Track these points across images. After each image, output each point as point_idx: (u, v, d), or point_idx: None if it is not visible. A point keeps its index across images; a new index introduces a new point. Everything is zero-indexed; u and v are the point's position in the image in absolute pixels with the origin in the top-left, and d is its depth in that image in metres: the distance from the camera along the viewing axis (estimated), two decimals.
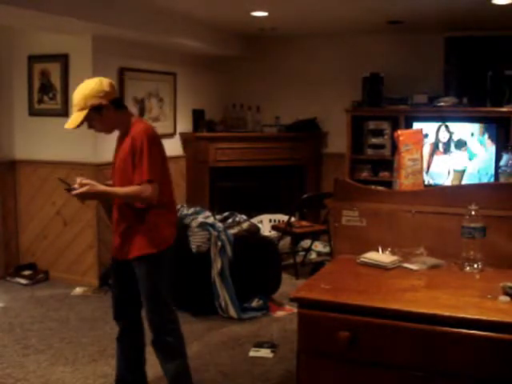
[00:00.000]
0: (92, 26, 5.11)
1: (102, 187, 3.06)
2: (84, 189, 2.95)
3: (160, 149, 3.14)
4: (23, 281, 5.80)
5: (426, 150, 6.06)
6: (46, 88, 5.81)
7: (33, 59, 5.84)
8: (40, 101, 5.86)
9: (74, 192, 2.96)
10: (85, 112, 3.04)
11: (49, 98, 5.81)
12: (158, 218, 3.18)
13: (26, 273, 5.89)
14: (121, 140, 3.22)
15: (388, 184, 3.76)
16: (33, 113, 5.92)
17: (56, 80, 5.73)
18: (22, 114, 5.96)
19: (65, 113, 5.69)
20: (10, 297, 5.41)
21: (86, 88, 3.07)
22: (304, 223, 6.44)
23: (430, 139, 6.19)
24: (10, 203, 6.02)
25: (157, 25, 5.71)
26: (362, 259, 2.85)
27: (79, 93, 3.07)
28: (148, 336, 3.38)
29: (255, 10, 5.70)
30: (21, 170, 6.03)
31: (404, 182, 3.16)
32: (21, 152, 6.02)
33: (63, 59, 5.65)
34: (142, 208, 3.12)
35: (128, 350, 3.41)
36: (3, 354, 4.17)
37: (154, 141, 3.10)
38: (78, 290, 5.59)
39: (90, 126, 3.16)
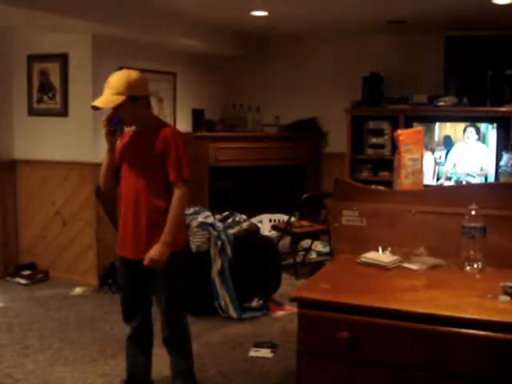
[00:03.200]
0: (91, 25, 5.11)
1: (164, 249, 3.08)
2: (156, 263, 3.07)
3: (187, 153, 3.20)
4: (23, 281, 5.80)
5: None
6: (46, 88, 5.80)
7: (32, 59, 5.83)
8: (39, 100, 5.85)
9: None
10: (122, 97, 3.03)
11: (48, 97, 5.80)
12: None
13: (26, 273, 5.88)
14: (138, 138, 3.20)
15: (388, 184, 3.76)
16: (32, 112, 5.91)
17: (55, 80, 5.73)
18: (21, 114, 5.96)
19: (64, 112, 5.70)
20: (10, 297, 5.41)
21: (130, 76, 3.08)
22: (304, 223, 6.43)
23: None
24: (10, 203, 6.01)
25: (156, 24, 5.71)
26: (362, 259, 2.85)
27: (121, 78, 3.06)
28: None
29: (255, 10, 5.70)
30: (20, 169, 6.02)
31: (404, 181, 3.16)
32: (20, 152, 6.01)
33: (63, 59, 5.65)
34: (163, 207, 3.12)
35: (139, 350, 3.41)
36: (3, 354, 4.16)
37: (186, 144, 3.18)
38: (78, 290, 5.59)
39: (116, 113, 3.10)
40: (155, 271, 3.16)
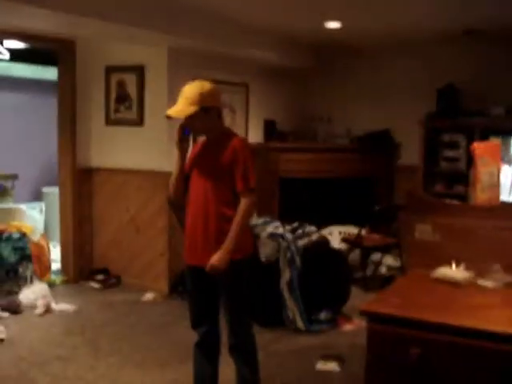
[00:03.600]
0: (167, 37, 5.23)
1: (225, 256, 3.10)
2: (217, 270, 3.10)
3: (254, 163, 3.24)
4: (96, 285, 5.96)
5: None
6: (123, 98, 5.97)
7: (110, 70, 6.02)
8: (116, 110, 6.03)
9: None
10: (196, 108, 3.10)
11: (125, 107, 5.97)
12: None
13: (99, 277, 6.05)
14: (208, 147, 3.26)
15: (463, 198, 3.68)
16: (109, 122, 6.09)
17: (132, 90, 5.89)
18: (98, 123, 6.15)
19: (140, 122, 5.84)
20: (83, 300, 5.57)
21: (204, 86, 3.15)
22: (374, 236, 6.34)
23: None
24: (86, 209, 6.20)
25: (230, 37, 5.79)
26: (435, 274, 2.78)
27: (195, 89, 3.14)
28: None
29: (328, 21, 5.69)
30: (96, 177, 6.21)
31: (480, 196, 3.07)
32: (97, 160, 6.20)
33: (139, 70, 5.81)
34: (232, 216, 3.15)
35: (206, 357, 3.42)
36: (75, 355, 4.29)
37: (253, 155, 3.22)
38: (149, 296, 5.69)
39: (189, 122, 3.18)
40: (221, 278, 3.19)
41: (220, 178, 3.16)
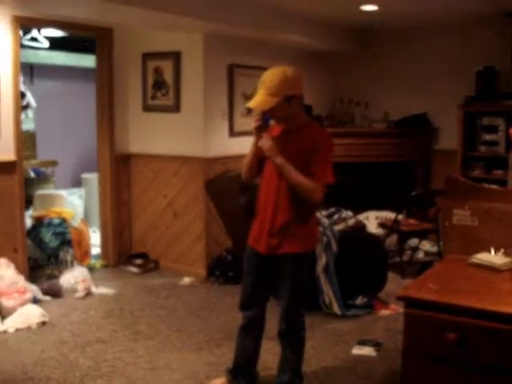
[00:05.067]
0: (204, 24, 5.24)
1: (280, 157, 3.06)
2: (269, 143, 3.07)
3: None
4: (135, 269, 6.06)
5: None
6: (159, 84, 6.02)
7: (147, 57, 6.06)
8: (153, 97, 6.08)
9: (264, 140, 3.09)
10: (277, 99, 3.01)
11: (161, 94, 6.01)
12: (313, 218, 3.31)
13: (138, 262, 6.14)
14: (288, 135, 3.18)
15: (502, 182, 3.62)
16: (146, 108, 6.15)
17: (169, 77, 5.93)
18: (136, 110, 6.21)
19: (176, 108, 5.88)
20: (122, 284, 5.67)
21: (285, 75, 3.05)
22: (412, 221, 6.30)
23: None
24: (125, 195, 6.30)
25: (266, 22, 5.77)
26: (473, 260, 2.76)
27: (277, 78, 3.03)
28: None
29: (365, 4, 5.63)
30: (134, 163, 6.29)
31: None
32: (135, 146, 6.27)
33: (176, 56, 5.84)
34: (306, 207, 3.15)
35: (249, 340, 3.46)
36: (114, 338, 4.37)
37: (333, 147, 3.20)
38: (186, 280, 5.76)
39: (270, 112, 3.09)
40: (283, 269, 3.21)
41: (297, 168, 3.07)
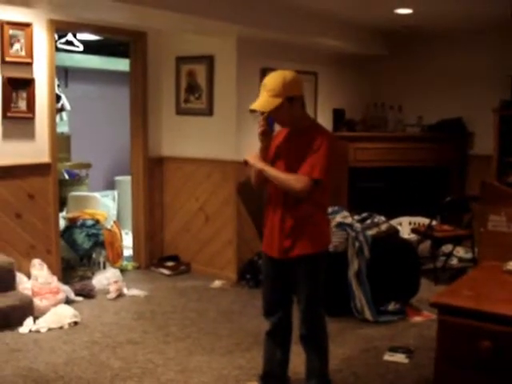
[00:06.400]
0: (237, 27, 5.26)
1: (260, 163, 3.18)
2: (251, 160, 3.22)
3: (333, 159, 3.20)
4: (166, 271, 6.09)
5: None
6: (193, 88, 6.05)
7: (180, 60, 6.10)
8: (186, 100, 6.11)
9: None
10: (280, 100, 3.06)
11: (195, 97, 6.04)
12: (323, 218, 3.29)
13: (169, 264, 6.17)
14: (292, 138, 3.21)
15: None
16: (179, 112, 6.18)
17: (202, 80, 5.95)
18: (169, 113, 6.25)
19: (209, 112, 5.90)
20: (154, 286, 5.70)
21: (285, 77, 3.09)
22: (446, 227, 6.21)
23: None
24: (157, 197, 6.34)
25: (299, 25, 5.76)
26: (509, 267, 2.70)
27: (277, 80, 3.08)
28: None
29: (399, 8, 5.58)
30: (167, 166, 6.33)
31: None
32: (167, 149, 6.31)
33: (209, 60, 5.86)
34: (309, 211, 3.14)
35: (276, 346, 3.44)
36: (145, 340, 4.40)
37: (333, 149, 3.21)
38: (217, 283, 5.77)
39: (273, 114, 3.12)
40: (298, 272, 3.20)
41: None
